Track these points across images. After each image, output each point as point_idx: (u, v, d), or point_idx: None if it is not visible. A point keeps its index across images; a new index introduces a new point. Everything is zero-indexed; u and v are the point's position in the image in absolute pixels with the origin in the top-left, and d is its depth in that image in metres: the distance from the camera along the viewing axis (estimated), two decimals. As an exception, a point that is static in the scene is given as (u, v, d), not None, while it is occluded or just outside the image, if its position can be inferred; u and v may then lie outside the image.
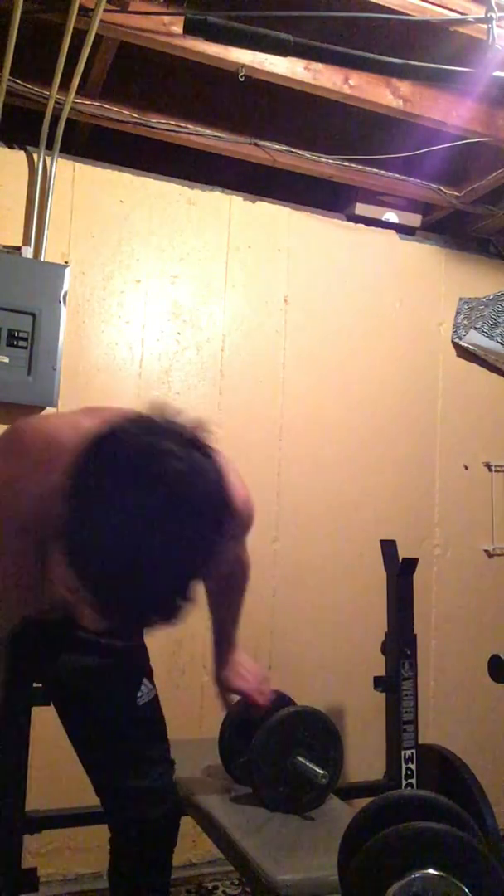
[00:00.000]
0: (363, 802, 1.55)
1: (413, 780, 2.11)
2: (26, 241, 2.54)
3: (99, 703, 1.58)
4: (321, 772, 1.82)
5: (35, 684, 1.47)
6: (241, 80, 2.23)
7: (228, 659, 1.75)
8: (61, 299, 2.50)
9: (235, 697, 1.78)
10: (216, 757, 1.94)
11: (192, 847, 2.57)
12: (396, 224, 3.12)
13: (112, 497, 0.92)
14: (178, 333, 2.76)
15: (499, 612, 3.18)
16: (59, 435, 1.17)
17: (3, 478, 1.23)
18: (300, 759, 1.86)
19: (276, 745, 1.89)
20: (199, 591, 1.38)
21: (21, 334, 2.44)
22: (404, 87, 2.38)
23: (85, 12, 1.98)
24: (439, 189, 2.92)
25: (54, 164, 2.55)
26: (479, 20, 2.09)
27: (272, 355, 2.89)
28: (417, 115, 2.42)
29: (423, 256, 3.19)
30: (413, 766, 2.12)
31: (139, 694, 1.61)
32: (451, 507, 3.15)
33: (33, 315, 2.45)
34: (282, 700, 2.32)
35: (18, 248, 2.51)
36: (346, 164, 2.78)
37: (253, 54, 2.18)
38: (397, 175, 2.86)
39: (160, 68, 2.50)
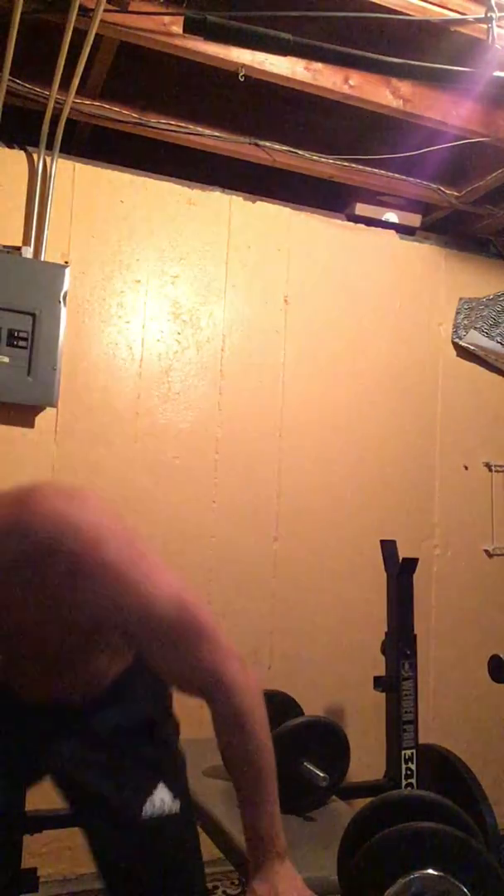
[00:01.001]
0: (363, 802, 1.55)
1: (413, 780, 2.10)
2: (26, 241, 2.54)
3: (92, 805, 1.28)
4: (322, 774, 1.83)
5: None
6: (241, 80, 2.23)
7: (258, 860, 1.18)
8: (61, 299, 2.50)
9: None
10: (216, 757, 1.93)
11: (192, 847, 2.57)
12: (396, 224, 3.11)
13: None
14: (178, 333, 2.76)
15: (499, 612, 3.18)
16: None
17: None
18: (306, 764, 1.88)
19: (283, 752, 1.90)
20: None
21: (21, 334, 2.44)
22: (404, 87, 2.38)
23: (85, 12, 1.98)
24: (439, 189, 2.92)
25: (54, 164, 2.55)
26: (479, 20, 2.09)
27: (272, 355, 2.89)
28: (417, 115, 2.42)
29: (423, 256, 3.19)
30: (413, 766, 2.12)
31: (147, 805, 1.26)
32: (451, 507, 3.15)
33: (33, 315, 2.45)
34: (287, 702, 2.33)
35: (18, 248, 2.51)
36: (346, 164, 2.78)
37: (253, 54, 2.18)
38: (397, 175, 2.86)
39: (160, 68, 2.50)
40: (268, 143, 2.68)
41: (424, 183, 2.91)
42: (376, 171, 2.83)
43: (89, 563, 1.07)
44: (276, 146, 2.69)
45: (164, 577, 1.14)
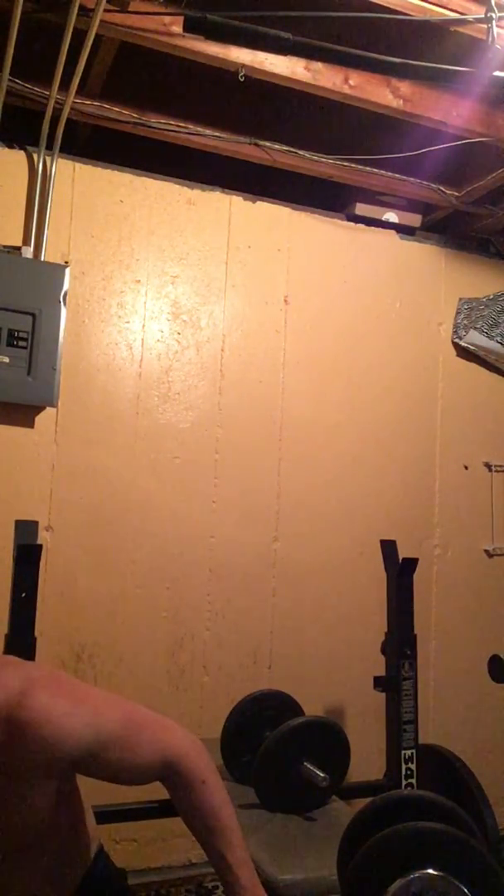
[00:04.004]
0: (363, 802, 1.55)
1: (413, 780, 2.11)
2: (26, 241, 2.54)
3: None
4: (322, 775, 1.83)
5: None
6: (241, 80, 2.23)
7: None
8: (61, 299, 2.50)
9: None
10: (217, 757, 1.94)
11: (192, 847, 2.57)
12: (396, 224, 3.11)
13: None
14: (178, 333, 2.76)
15: (499, 612, 3.18)
16: None
17: None
18: (307, 764, 1.88)
19: (284, 752, 1.90)
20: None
21: (21, 334, 2.44)
22: (404, 87, 2.37)
23: (85, 12, 1.98)
24: (439, 189, 2.92)
25: (54, 164, 2.55)
26: (479, 20, 2.09)
27: (272, 355, 2.89)
28: (417, 115, 2.42)
29: (423, 256, 3.19)
30: (413, 766, 2.12)
31: None
32: (451, 507, 3.15)
33: (33, 315, 2.45)
34: (287, 702, 2.33)
35: (18, 248, 2.51)
36: (346, 164, 2.78)
37: (253, 54, 2.18)
38: (397, 175, 2.86)
39: (160, 68, 2.50)
40: (268, 143, 2.68)
41: (424, 183, 2.91)
42: (376, 171, 2.83)
43: (25, 716, 1.12)
44: (276, 146, 2.69)
45: (100, 700, 1.23)
